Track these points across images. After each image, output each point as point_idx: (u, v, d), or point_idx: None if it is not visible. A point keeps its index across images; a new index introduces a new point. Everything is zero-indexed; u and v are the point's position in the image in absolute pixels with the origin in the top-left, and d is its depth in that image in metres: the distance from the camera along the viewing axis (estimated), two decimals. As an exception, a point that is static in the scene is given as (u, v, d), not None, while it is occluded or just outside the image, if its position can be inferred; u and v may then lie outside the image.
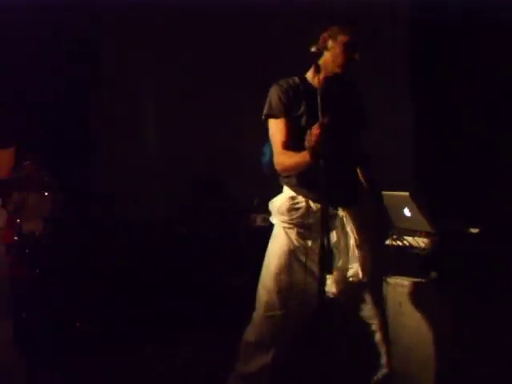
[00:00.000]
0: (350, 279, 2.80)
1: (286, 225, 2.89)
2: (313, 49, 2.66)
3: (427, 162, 4.90)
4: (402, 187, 3.92)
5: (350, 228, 2.82)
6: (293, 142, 2.81)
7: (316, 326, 2.58)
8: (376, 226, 2.99)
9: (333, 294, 2.80)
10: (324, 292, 2.51)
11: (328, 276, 2.73)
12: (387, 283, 3.30)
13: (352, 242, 2.81)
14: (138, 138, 6.06)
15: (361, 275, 2.79)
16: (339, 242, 2.84)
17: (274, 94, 2.85)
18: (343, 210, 2.83)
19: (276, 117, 2.85)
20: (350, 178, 2.89)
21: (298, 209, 2.85)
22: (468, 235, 3.32)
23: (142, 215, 5.61)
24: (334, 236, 2.81)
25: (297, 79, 2.87)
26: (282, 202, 2.90)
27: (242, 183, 5.59)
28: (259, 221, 4.66)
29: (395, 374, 2.90)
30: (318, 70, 2.62)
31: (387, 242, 3.35)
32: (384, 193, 3.41)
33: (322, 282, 2.50)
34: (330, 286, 2.79)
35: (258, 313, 2.92)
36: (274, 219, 2.96)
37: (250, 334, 2.92)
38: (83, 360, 3.99)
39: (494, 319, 2.99)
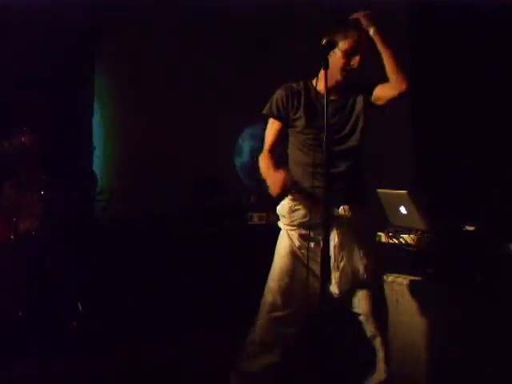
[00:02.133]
0: (356, 281, 2.81)
1: (288, 227, 2.92)
2: (324, 41, 2.64)
3: (427, 161, 4.89)
4: (401, 186, 3.91)
5: (352, 229, 2.82)
6: (294, 137, 2.91)
7: (317, 327, 2.58)
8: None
9: (335, 294, 2.82)
10: (325, 292, 2.50)
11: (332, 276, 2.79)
12: (384, 281, 3.30)
13: (356, 242, 2.83)
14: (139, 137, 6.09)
15: (365, 275, 2.82)
16: (341, 243, 2.83)
17: (277, 96, 2.90)
18: (344, 209, 2.83)
19: (273, 118, 2.91)
20: (352, 178, 2.86)
21: (298, 210, 2.87)
22: (464, 233, 3.30)
23: (140, 214, 5.63)
24: (335, 236, 2.80)
25: (302, 84, 2.90)
26: (283, 204, 2.93)
27: (240, 181, 5.64)
28: (256, 219, 4.66)
29: (391, 373, 2.89)
30: (326, 66, 2.57)
31: (383, 240, 3.35)
32: (380, 191, 3.42)
33: (324, 283, 2.51)
34: (333, 286, 2.82)
35: (263, 313, 2.94)
36: (280, 223, 2.99)
37: (255, 333, 2.94)
38: (83, 360, 4.00)
39: (490, 317, 2.97)
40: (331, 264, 2.79)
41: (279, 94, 2.90)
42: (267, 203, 3.01)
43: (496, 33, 4.41)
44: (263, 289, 2.98)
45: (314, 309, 2.72)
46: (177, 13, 5.53)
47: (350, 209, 2.82)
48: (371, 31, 2.78)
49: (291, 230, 2.91)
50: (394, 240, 3.30)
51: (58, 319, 4.34)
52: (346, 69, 2.78)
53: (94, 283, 4.85)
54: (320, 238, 2.66)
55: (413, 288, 3.23)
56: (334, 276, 2.80)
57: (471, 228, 3.30)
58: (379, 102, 2.86)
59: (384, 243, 3.34)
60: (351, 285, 2.84)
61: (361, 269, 2.83)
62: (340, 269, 2.82)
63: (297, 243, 2.89)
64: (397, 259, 3.30)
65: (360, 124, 2.87)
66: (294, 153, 2.95)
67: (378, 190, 3.43)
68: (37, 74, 5.04)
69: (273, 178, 2.73)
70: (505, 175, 4.27)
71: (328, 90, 2.64)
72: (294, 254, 2.90)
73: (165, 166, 6.02)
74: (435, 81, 4.81)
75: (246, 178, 3.15)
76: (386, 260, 3.33)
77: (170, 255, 5.61)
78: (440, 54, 4.75)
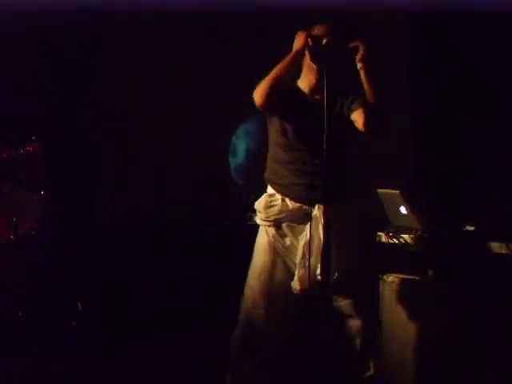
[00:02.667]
0: (317, 278, 2.70)
1: (265, 222, 2.93)
2: (324, 42, 2.68)
3: (427, 161, 4.89)
4: (401, 186, 3.91)
5: (321, 227, 2.71)
6: (274, 132, 2.90)
7: (311, 326, 2.58)
8: (364, 229, 2.95)
9: (296, 291, 2.77)
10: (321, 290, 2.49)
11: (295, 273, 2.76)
12: (383, 281, 3.30)
13: (322, 241, 2.71)
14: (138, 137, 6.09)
15: (348, 275, 2.77)
16: (311, 241, 2.76)
17: None
18: (319, 208, 2.76)
19: None
20: (332, 177, 2.75)
21: (273, 206, 2.87)
22: (464, 233, 3.30)
23: (140, 214, 5.64)
24: (307, 234, 2.75)
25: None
26: (260, 200, 2.95)
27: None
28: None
29: (389, 373, 2.89)
30: (327, 66, 2.63)
31: (383, 240, 3.35)
32: (380, 191, 3.43)
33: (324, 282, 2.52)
34: (295, 283, 2.78)
35: (243, 312, 2.94)
36: (256, 218, 3.00)
37: (237, 334, 2.95)
38: (83, 360, 4.00)
39: (490, 317, 2.97)
40: (297, 260, 2.77)
41: None
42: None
43: (497, 32, 4.40)
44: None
45: (296, 307, 2.72)
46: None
47: (327, 207, 2.72)
48: (358, 65, 2.77)
49: (268, 225, 2.91)
50: (394, 240, 3.30)
51: (58, 319, 4.35)
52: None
53: (94, 283, 4.86)
54: (295, 235, 2.72)
55: (412, 288, 3.22)
56: (298, 272, 2.76)
57: (471, 228, 3.30)
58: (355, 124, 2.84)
59: (384, 243, 3.34)
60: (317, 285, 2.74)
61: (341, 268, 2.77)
62: (306, 267, 2.75)
63: (273, 239, 2.88)
64: (397, 259, 3.29)
65: (340, 121, 2.82)
66: (274, 150, 2.94)
67: (378, 190, 3.43)
68: (39, 81, 5.10)
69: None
70: (505, 175, 4.27)
71: (312, 89, 2.80)
72: (271, 250, 2.89)
73: (165, 165, 6.03)
74: (435, 80, 4.81)
75: (242, 180, 3.10)
76: (385, 260, 3.34)
77: (170, 255, 5.62)
78: (440, 53, 4.74)
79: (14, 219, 4.20)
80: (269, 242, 2.90)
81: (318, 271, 2.69)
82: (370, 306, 2.94)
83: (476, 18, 4.41)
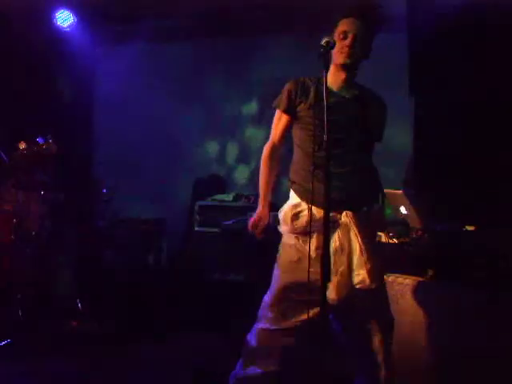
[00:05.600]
0: (358, 286, 2.67)
1: (291, 234, 2.81)
2: (323, 42, 2.48)
3: (427, 161, 4.88)
4: (401, 186, 3.92)
5: (353, 233, 2.68)
6: (299, 135, 2.86)
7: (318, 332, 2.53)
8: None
9: (332, 300, 2.66)
10: (325, 299, 2.42)
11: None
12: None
13: (357, 247, 2.68)
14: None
15: (368, 282, 2.67)
16: (342, 248, 2.71)
17: (286, 89, 2.84)
18: (347, 215, 2.70)
19: (280, 110, 2.86)
20: (355, 183, 2.74)
21: (300, 217, 2.76)
22: (464, 233, 3.30)
23: (141, 213, 5.66)
24: (336, 241, 2.70)
25: (314, 78, 2.81)
26: (285, 210, 2.83)
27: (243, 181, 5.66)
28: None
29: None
30: (327, 66, 2.54)
31: (383, 240, 3.34)
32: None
33: (324, 290, 2.39)
34: (330, 291, 2.66)
35: (261, 322, 2.86)
36: (280, 228, 2.88)
37: (252, 338, 2.88)
38: (83, 360, 4.00)
39: (491, 316, 2.97)
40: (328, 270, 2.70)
41: (288, 87, 2.83)
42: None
43: (497, 31, 4.40)
44: (263, 288, 2.92)
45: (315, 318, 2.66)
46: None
47: (354, 213, 2.70)
48: None
49: (295, 237, 2.80)
50: (394, 240, 3.30)
51: (57, 319, 4.35)
52: (341, 52, 2.72)
53: (94, 283, 4.87)
54: (320, 244, 2.61)
55: (413, 288, 3.22)
56: (333, 281, 2.62)
57: (471, 228, 3.30)
58: None
59: (384, 243, 3.33)
60: (353, 292, 2.70)
61: (365, 275, 2.69)
62: (339, 273, 2.69)
63: (299, 252, 2.77)
64: (397, 259, 3.29)
65: (364, 124, 2.79)
66: (299, 155, 2.86)
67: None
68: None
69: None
70: (505, 175, 4.27)
71: (338, 86, 2.75)
72: (296, 266, 2.77)
73: (165, 165, 6.05)
74: (435, 80, 4.80)
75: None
76: (386, 260, 3.34)
77: (170, 255, 5.63)
78: (440, 53, 4.74)
79: (14, 219, 4.21)
80: (294, 256, 2.79)
81: (356, 279, 2.67)
82: (389, 305, 2.87)
83: (476, 15, 4.41)
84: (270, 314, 2.82)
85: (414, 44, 5.03)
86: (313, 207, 2.63)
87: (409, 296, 3.23)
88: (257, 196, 3.11)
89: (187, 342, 4.42)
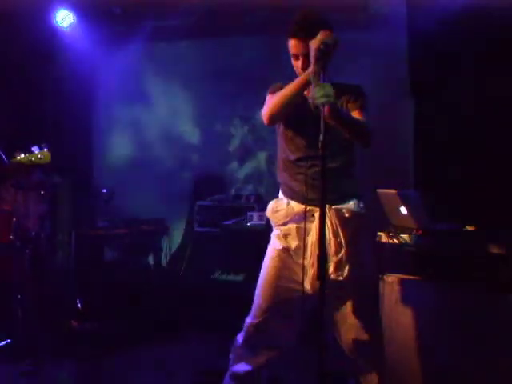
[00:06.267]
0: (330, 277, 2.69)
1: (274, 227, 2.91)
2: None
3: (427, 161, 4.89)
4: (401, 186, 3.91)
5: (327, 227, 2.69)
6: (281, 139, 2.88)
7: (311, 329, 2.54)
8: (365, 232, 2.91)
9: (306, 290, 2.71)
10: (324, 294, 2.43)
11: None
12: (383, 281, 3.30)
13: (330, 241, 2.72)
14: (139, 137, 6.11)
15: (333, 274, 2.70)
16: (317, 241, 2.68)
17: (278, 85, 2.83)
18: (328, 208, 2.70)
19: (271, 93, 2.84)
20: (333, 181, 2.68)
21: (279, 210, 2.86)
22: (464, 233, 3.30)
23: (141, 213, 5.65)
24: (313, 235, 2.73)
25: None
26: (270, 204, 2.93)
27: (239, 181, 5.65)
28: (256, 218, 4.66)
29: (389, 372, 2.88)
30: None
31: (383, 240, 3.34)
32: (380, 191, 3.42)
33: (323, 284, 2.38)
34: (306, 283, 2.73)
35: (250, 316, 2.91)
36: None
37: (240, 335, 2.93)
38: (83, 360, 4.01)
39: (490, 317, 2.97)
40: (306, 260, 2.72)
41: (277, 84, 2.83)
42: (267, 203, 2.99)
43: (498, 31, 4.39)
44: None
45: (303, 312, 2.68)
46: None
47: (331, 209, 2.74)
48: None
49: (276, 229, 2.89)
50: (394, 240, 3.30)
51: (58, 319, 4.35)
52: (299, 72, 2.75)
53: (94, 283, 4.86)
54: (300, 238, 2.68)
55: (413, 288, 3.22)
56: (308, 272, 2.71)
57: (471, 228, 3.30)
58: None
59: (384, 243, 3.33)
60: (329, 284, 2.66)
61: (330, 266, 2.73)
62: (314, 266, 2.67)
63: (281, 244, 2.85)
64: (397, 259, 3.29)
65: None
66: (280, 154, 2.93)
67: (378, 190, 3.42)
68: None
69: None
70: (505, 175, 4.27)
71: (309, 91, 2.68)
72: (279, 257, 2.85)
73: (165, 165, 6.05)
74: (435, 80, 4.80)
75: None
76: (386, 260, 3.34)
77: (170, 255, 5.63)
78: (440, 53, 4.74)
79: (14, 219, 4.21)
80: (276, 248, 2.87)
81: (331, 270, 2.70)
82: (373, 308, 2.87)
83: (477, 13, 4.41)
84: (256, 302, 2.87)
85: (414, 44, 5.03)
86: (291, 201, 2.79)
87: (408, 296, 3.23)
88: (257, 196, 3.12)
89: (187, 342, 4.43)
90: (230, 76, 5.90)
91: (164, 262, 5.68)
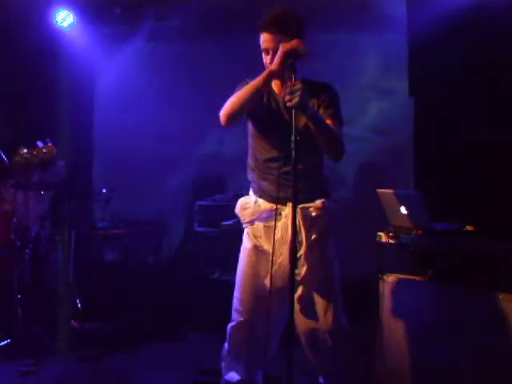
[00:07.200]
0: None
1: (244, 224, 2.93)
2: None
3: (427, 161, 4.88)
4: (401, 186, 3.91)
5: (290, 225, 2.66)
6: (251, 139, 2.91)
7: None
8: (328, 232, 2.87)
9: (269, 287, 2.72)
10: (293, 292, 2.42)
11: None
12: (383, 281, 3.30)
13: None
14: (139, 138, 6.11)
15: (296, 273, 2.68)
16: (282, 238, 2.76)
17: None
18: (288, 207, 2.72)
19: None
20: (302, 179, 2.65)
21: (247, 208, 2.88)
22: (464, 233, 3.30)
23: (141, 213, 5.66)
24: (278, 232, 2.75)
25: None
26: (239, 202, 2.95)
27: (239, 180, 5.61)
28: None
29: (389, 372, 2.88)
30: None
31: (383, 240, 3.34)
32: (380, 191, 3.42)
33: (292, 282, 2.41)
34: (267, 280, 2.75)
35: (231, 321, 2.94)
36: None
37: (226, 344, 2.96)
38: (83, 360, 4.00)
39: (490, 317, 2.97)
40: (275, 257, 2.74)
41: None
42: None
43: (498, 30, 4.39)
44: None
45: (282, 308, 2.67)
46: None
47: (298, 207, 2.70)
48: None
49: (245, 227, 2.92)
50: (394, 240, 3.30)
51: (58, 319, 4.35)
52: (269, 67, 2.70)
53: (94, 283, 4.86)
54: (266, 236, 2.72)
55: (412, 288, 3.22)
56: (271, 269, 2.70)
57: (471, 228, 3.30)
58: None
59: (384, 243, 3.33)
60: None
61: (303, 269, 2.75)
62: (277, 264, 2.75)
63: (251, 242, 2.87)
64: (397, 259, 3.29)
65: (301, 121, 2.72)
66: (250, 151, 2.95)
67: (378, 190, 3.42)
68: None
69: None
70: (505, 175, 4.27)
71: (279, 89, 2.77)
72: (250, 257, 2.87)
73: (165, 165, 6.04)
74: (435, 80, 4.80)
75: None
76: (386, 260, 3.34)
77: (170, 255, 5.63)
78: (440, 53, 4.74)
79: (14, 219, 4.21)
80: (246, 246, 2.90)
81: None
82: (335, 308, 2.85)
83: (477, 13, 4.41)
84: (235, 306, 2.90)
85: (414, 44, 5.03)
86: (259, 199, 2.82)
87: (408, 296, 3.23)
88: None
89: (187, 342, 4.43)
90: (230, 76, 5.90)
91: (164, 262, 5.69)
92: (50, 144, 3.50)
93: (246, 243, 2.90)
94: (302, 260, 2.77)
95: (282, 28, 2.61)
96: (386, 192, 3.37)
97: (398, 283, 3.26)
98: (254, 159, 2.91)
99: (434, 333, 3.11)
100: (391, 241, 3.31)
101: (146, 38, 5.88)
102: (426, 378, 3.13)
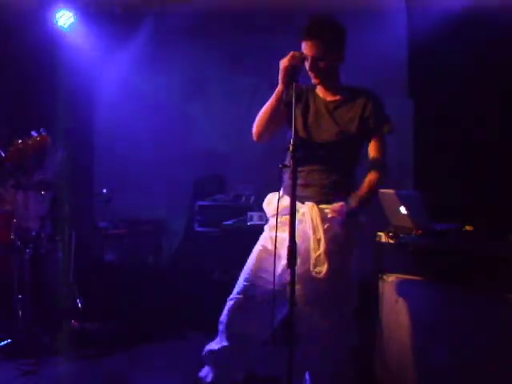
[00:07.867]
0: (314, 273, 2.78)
1: (269, 218, 3.04)
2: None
3: (427, 161, 4.89)
4: (401, 186, 3.90)
5: (308, 224, 2.82)
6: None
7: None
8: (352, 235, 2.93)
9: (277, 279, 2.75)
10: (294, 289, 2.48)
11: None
12: (383, 281, 3.30)
13: (311, 238, 2.81)
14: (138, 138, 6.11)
15: (313, 270, 2.77)
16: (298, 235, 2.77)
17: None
18: (307, 205, 2.86)
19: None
20: (325, 181, 2.91)
21: (273, 202, 2.95)
22: (464, 233, 3.30)
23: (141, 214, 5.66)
24: (297, 230, 2.74)
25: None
26: (267, 196, 3.05)
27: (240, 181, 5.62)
28: (256, 218, 4.65)
29: (389, 372, 2.88)
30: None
31: (383, 240, 3.34)
32: (380, 190, 3.42)
33: (293, 278, 2.49)
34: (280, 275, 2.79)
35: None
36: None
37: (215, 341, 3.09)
38: (83, 360, 4.00)
39: (490, 317, 2.97)
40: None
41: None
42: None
43: (498, 31, 4.40)
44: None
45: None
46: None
47: (317, 207, 2.84)
48: None
49: (269, 221, 3.04)
50: (394, 240, 3.30)
51: (58, 319, 4.35)
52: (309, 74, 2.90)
53: (94, 283, 4.86)
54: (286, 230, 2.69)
55: (412, 288, 3.22)
56: (283, 263, 2.76)
57: (471, 228, 3.30)
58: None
59: (384, 243, 3.33)
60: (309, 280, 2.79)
61: (323, 268, 2.78)
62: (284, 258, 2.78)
63: (268, 234, 2.98)
64: (397, 259, 3.29)
65: (345, 127, 2.90)
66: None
67: (378, 190, 3.42)
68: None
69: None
70: (505, 175, 4.27)
71: (324, 94, 2.95)
72: (263, 244, 2.99)
73: (165, 165, 6.05)
74: (435, 80, 4.80)
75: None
76: (386, 260, 3.34)
77: (170, 255, 5.62)
78: (440, 53, 4.74)
79: (14, 219, 4.21)
80: (264, 237, 3.00)
81: (311, 266, 2.76)
82: (347, 307, 2.92)
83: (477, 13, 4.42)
84: (240, 282, 3.02)
85: (414, 44, 5.04)
86: (285, 195, 2.87)
87: (408, 296, 3.23)
88: (257, 196, 3.16)
89: (187, 342, 4.42)
90: (232, 75, 5.91)
91: (164, 262, 5.69)
92: (43, 133, 3.55)
93: (265, 233, 3.02)
94: (322, 259, 2.79)
95: (315, 34, 2.79)
96: (386, 192, 3.37)
97: (398, 283, 3.26)
98: (284, 159, 2.94)
99: (434, 333, 3.11)
100: (391, 241, 3.31)
101: (146, 38, 5.88)
102: (426, 378, 3.13)
